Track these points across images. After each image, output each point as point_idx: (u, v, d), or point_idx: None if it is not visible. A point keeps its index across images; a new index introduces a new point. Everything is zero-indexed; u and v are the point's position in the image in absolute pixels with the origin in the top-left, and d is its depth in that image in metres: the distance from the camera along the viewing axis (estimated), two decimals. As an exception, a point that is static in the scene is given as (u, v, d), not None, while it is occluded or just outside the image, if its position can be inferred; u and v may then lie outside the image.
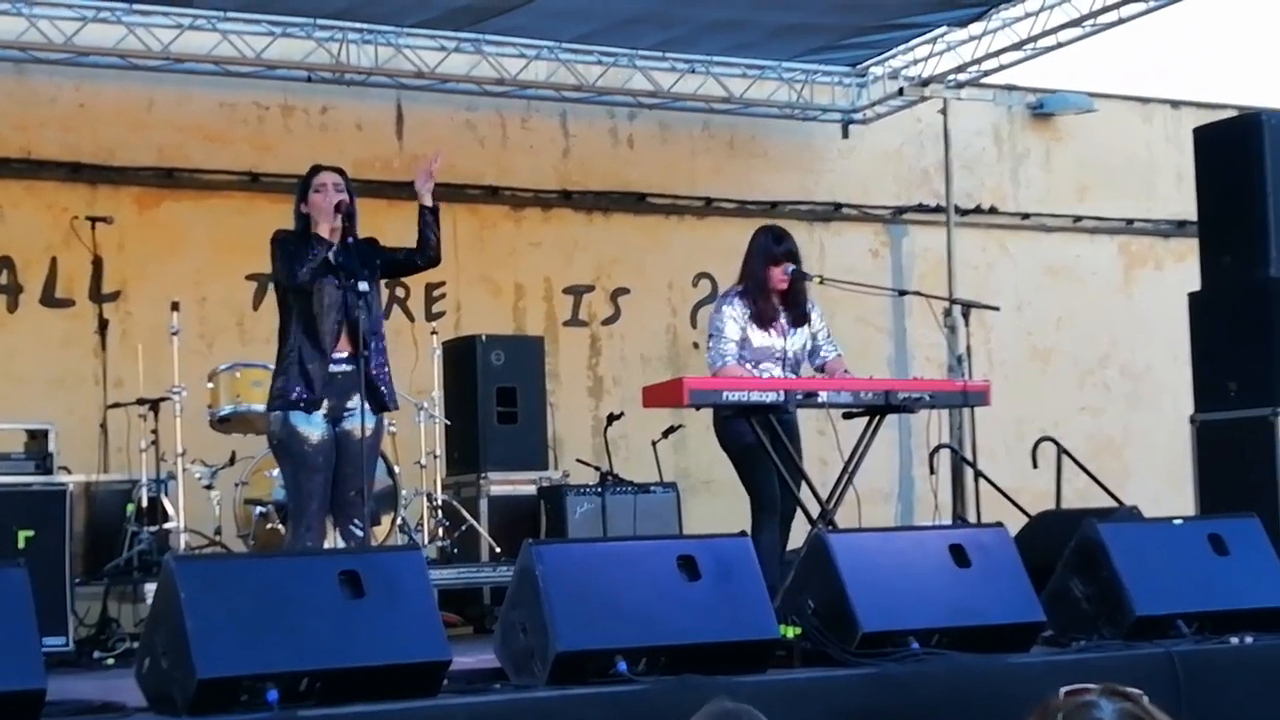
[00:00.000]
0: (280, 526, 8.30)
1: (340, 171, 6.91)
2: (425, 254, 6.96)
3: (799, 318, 7.76)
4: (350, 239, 6.73)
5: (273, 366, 8.07)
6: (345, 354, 6.66)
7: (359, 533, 6.72)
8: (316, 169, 6.91)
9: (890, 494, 11.66)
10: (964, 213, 12.43)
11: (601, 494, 9.22)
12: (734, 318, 7.61)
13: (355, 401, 6.66)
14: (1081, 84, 13.14)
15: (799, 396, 7.24)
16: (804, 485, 7.50)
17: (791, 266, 7.68)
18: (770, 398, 7.17)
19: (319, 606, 4.66)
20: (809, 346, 7.79)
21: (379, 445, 7.03)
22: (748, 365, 7.59)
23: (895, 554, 5.70)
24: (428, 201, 6.91)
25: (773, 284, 7.66)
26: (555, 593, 4.92)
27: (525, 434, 9.90)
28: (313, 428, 6.66)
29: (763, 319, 7.63)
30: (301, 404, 6.65)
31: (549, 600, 4.90)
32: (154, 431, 8.50)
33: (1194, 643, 5.74)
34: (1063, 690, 2.78)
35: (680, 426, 9.73)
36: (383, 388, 6.78)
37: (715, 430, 7.63)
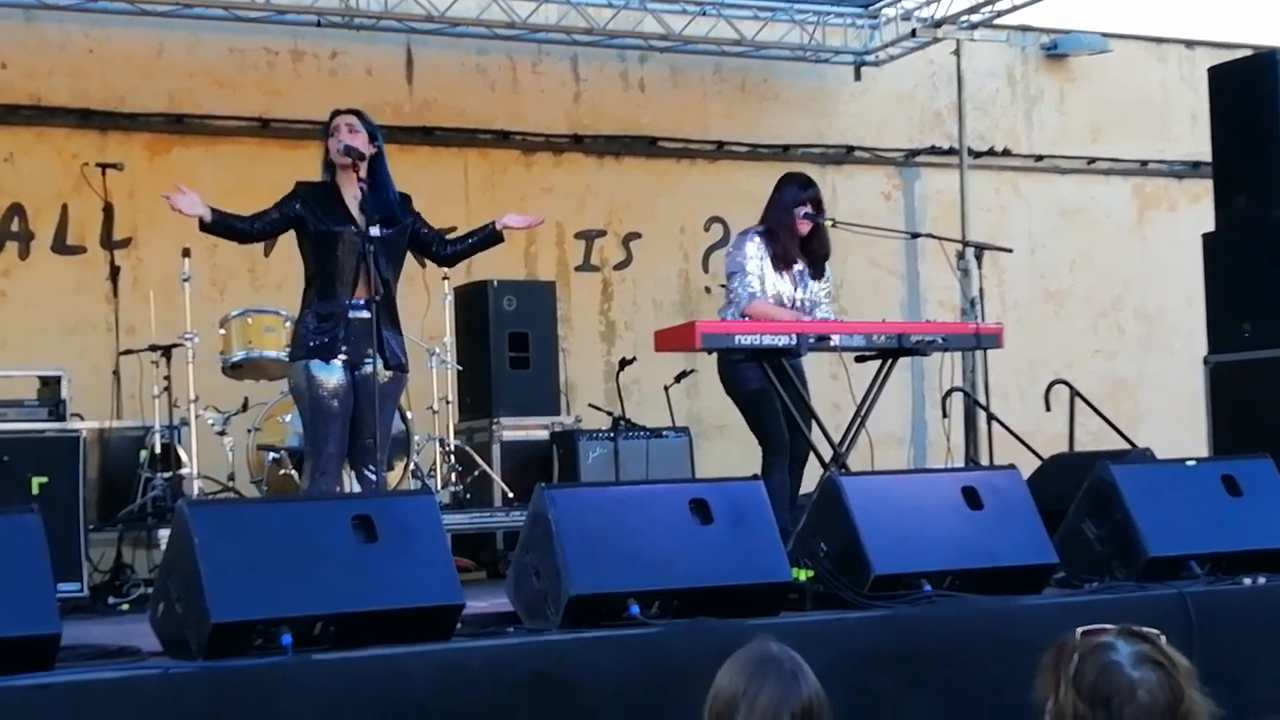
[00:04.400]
0: (293, 472, 8.32)
1: (357, 113, 6.89)
2: (453, 246, 7.05)
3: (816, 271, 7.72)
4: (362, 185, 6.71)
5: (284, 313, 8.15)
6: (363, 300, 6.66)
7: (373, 478, 6.73)
8: (334, 113, 6.91)
9: (903, 437, 11.68)
10: (977, 155, 12.38)
11: (614, 439, 9.22)
12: (754, 255, 7.57)
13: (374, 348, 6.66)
14: (1095, 24, 13.06)
15: (811, 340, 7.22)
16: (816, 428, 7.49)
17: (812, 212, 7.63)
18: (783, 341, 7.15)
19: (332, 551, 4.67)
20: (815, 301, 7.75)
21: (398, 393, 7.02)
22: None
23: (907, 496, 5.69)
24: (498, 227, 6.99)
25: (797, 228, 7.62)
26: (568, 537, 4.92)
27: (537, 379, 9.91)
28: (331, 374, 6.66)
29: (782, 262, 7.59)
30: (319, 351, 6.65)
31: (562, 544, 4.90)
32: (167, 378, 8.51)
33: (1206, 584, 5.72)
34: (1079, 630, 2.77)
35: (693, 371, 9.72)
36: (386, 342, 6.74)
37: (720, 376, 7.58)
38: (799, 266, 7.66)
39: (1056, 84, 13.05)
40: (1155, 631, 2.74)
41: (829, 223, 7.90)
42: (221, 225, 6.75)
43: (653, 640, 4.83)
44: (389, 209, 6.76)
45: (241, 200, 10.29)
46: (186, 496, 7.94)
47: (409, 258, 6.93)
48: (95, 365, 9.42)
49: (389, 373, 6.77)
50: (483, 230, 7.06)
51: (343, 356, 6.67)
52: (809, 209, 7.60)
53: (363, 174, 6.72)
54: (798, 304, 7.64)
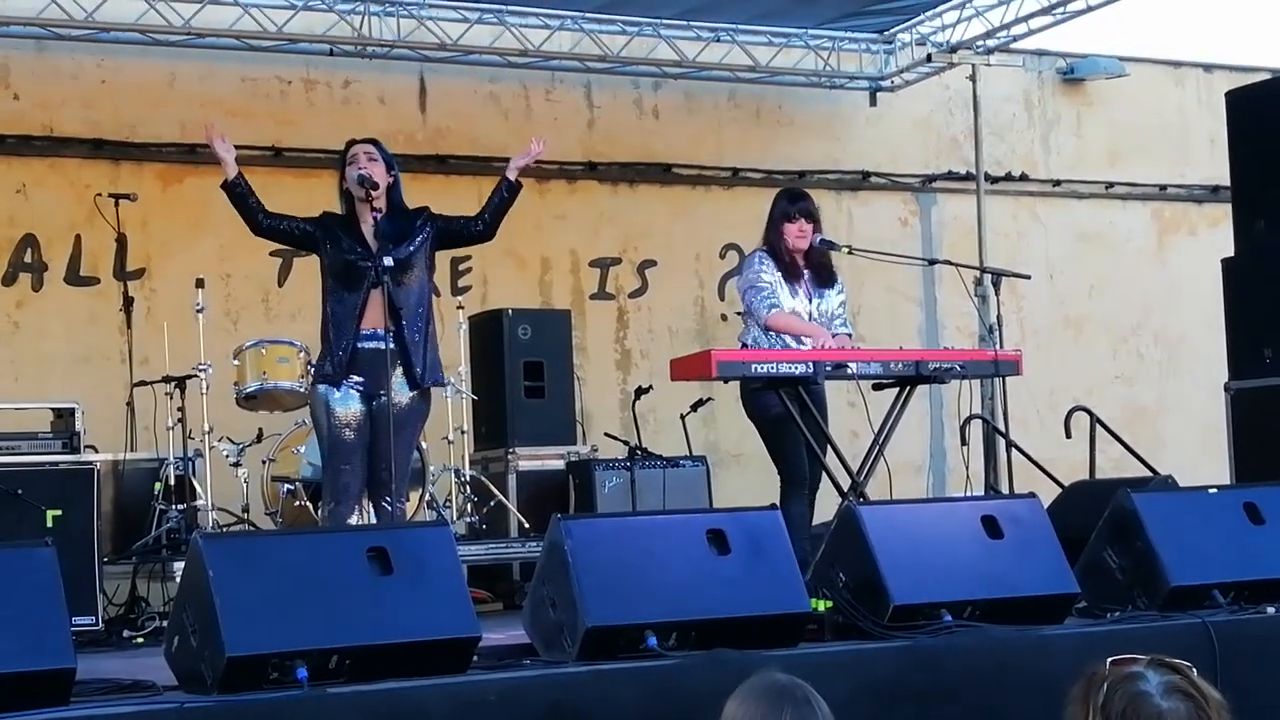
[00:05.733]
0: (308, 504, 8.29)
1: (374, 142, 6.92)
2: (480, 219, 7.01)
3: (825, 278, 7.70)
4: (375, 213, 6.72)
5: (298, 343, 8.17)
6: (379, 330, 6.65)
7: (389, 508, 6.71)
8: (350, 143, 6.93)
9: (921, 466, 11.60)
10: (994, 180, 12.34)
11: (630, 468, 9.19)
12: (768, 270, 7.57)
13: (392, 377, 6.65)
14: (1112, 48, 13.03)
15: (828, 368, 7.19)
16: (833, 457, 7.44)
17: (816, 233, 7.62)
18: (799, 369, 7.13)
19: (348, 583, 4.63)
20: (830, 315, 7.71)
21: (418, 421, 7.00)
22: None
23: (927, 526, 5.64)
24: (511, 175, 6.98)
25: (789, 241, 7.61)
26: (584, 567, 4.88)
27: (553, 408, 9.87)
28: (348, 405, 6.68)
29: (789, 276, 7.58)
30: (328, 382, 6.66)
31: (578, 575, 4.86)
32: (180, 409, 8.49)
33: (1229, 613, 5.66)
34: (1109, 660, 2.74)
35: (709, 399, 9.68)
36: (415, 363, 6.74)
37: (743, 402, 7.58)
38: (806, 279, 7.65)
39: (1074, 108, 13.01)
40: (1187, 663, 2.71)
41: (845, 250, 7.87)
42: (241, 196, 6.79)
43: (670, 672, 4.78)
44: (402, 232, 6.76)
45: (255, 230, 10.25)
46: (201, 529, 7.92)
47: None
48: (109, 397, 9.38)
49: (413, 394, 6.75)
50: (499, 190, 7.03)
51: (359, 387, 6.67)
52: (804, 221, 7.60)
53: (378, 204, 6.74)
54: (815, 319, 7.62)
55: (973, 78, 11.67)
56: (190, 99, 10.38)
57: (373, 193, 6.71)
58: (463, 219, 7.02)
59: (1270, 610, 5.70)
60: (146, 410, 9.08)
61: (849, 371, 7.27)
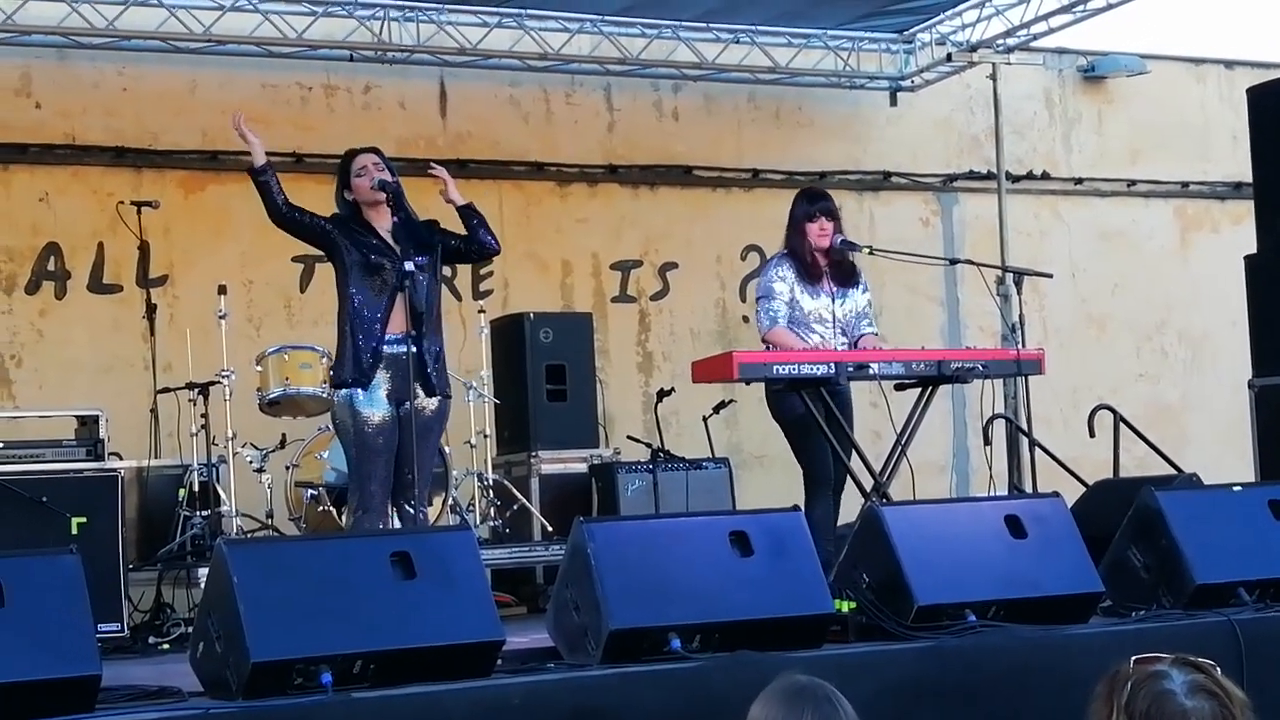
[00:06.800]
0: (332, 509, 8.31)
1: (376, 151, 6.94)
2: (473, 247, 7.01)
3: (846, 278, 7.69)
4: (396, 218, 6.76)
5: (320, 348, 8.19)
6: (401, 335, 6.66)
7: (412, 513, 6.72)
8: (353, 153, 6.95)
9: (945, 465, 11.60)
10: (1015, 179, 12.30)
11: (653, 470, 9.18)
12: (782, 279, 7.57)
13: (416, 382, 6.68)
14: (1133, 45, 13.00)
15: (850, 369, 7.18)
16: (856, 457, 7.43)
17: (837, 233, 7.61)
18: (821, 370, 7.12)
19: (372, 588, 4.65)
20: (856, 314, 7.71)
21: (440, 425, 7.02)
22: (797, 330, 7.53)
23: (950, 526, 5.63)
24: (459, 202, 6.94)
25: (811, 240, 7.60)
26: (608, 570, 4.88)
27: (575, 411, 9.87)
28: (374, 409, 6.69)
29: (810, 278, 7.57)
30: (355, 384, 6.67)
31: (601, 578, 4.86)
32: (204, 416, 8.51)
33: (1255, 611, 5.64)
34: (1133, 659, 2.73)
35: (731, 401, 9.68)
36: (431, 372, 6.75)
37: (768, 403, 7.57)
38: (828, 278, 7.64)
39: (1095, 106, 12.98)
40: (1210, 662, 2.70)
41: (866, 250, 7.86)
42: (266, 184, 6.79)
43: (694, 674, 4.79)
44: (420, 238, 6.79)
45: (276, 236, 10.27)
46: (225, 535, 7.93)
47: (445, 293, 6.99)
48: (133, 404, 9.41)
49: (435, 400, 6.77)
50: (463, 219, 6.97)
51: (385, 391, 6.69)
52: (823, 219, 7.60)
53: (394, 208, 6.77)
54: (838, 319, 7.60)
55: (993, 76, 11.63)
56: (211, 106, 10.40)
57: (392, 196, 6.74)
58: (456, 241, 7.01)
59: (1296, 608, 5.69)
60: (170, 417, 9.12)
61: (871, 372, 7.26)
